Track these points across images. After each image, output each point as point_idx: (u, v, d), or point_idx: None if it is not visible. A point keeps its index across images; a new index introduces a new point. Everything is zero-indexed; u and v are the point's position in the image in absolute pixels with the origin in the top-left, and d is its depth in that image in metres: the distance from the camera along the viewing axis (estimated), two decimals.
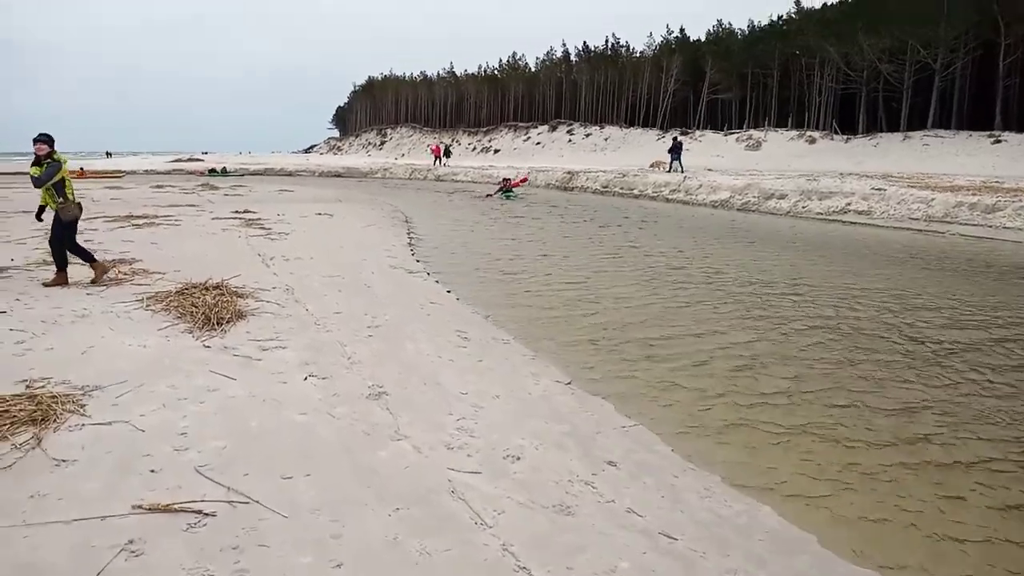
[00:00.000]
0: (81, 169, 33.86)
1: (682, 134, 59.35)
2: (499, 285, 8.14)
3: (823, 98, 55.06)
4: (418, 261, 9.42)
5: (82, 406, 3.62)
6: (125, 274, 7.38)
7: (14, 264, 7.65)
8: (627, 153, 56.45)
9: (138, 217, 13.56)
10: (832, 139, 50.74)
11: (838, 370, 5.25)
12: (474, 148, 79.77)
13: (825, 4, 59.97)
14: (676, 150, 30.49)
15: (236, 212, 15.11)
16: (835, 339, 6.13)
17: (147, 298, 6.11)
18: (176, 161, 45.12)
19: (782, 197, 17.73)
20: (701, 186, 21.08)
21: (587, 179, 27.80)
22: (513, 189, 22.89)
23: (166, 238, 10.55)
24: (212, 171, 37.80)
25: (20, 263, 7.75)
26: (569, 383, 4.59)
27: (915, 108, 47.52)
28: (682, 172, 28.13)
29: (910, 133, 46.14)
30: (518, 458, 3.17)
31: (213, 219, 13.67)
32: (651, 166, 35.53)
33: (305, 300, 6.35)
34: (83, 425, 3.37)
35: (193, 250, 9.39)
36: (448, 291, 7.35)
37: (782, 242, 12.70)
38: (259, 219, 13.66)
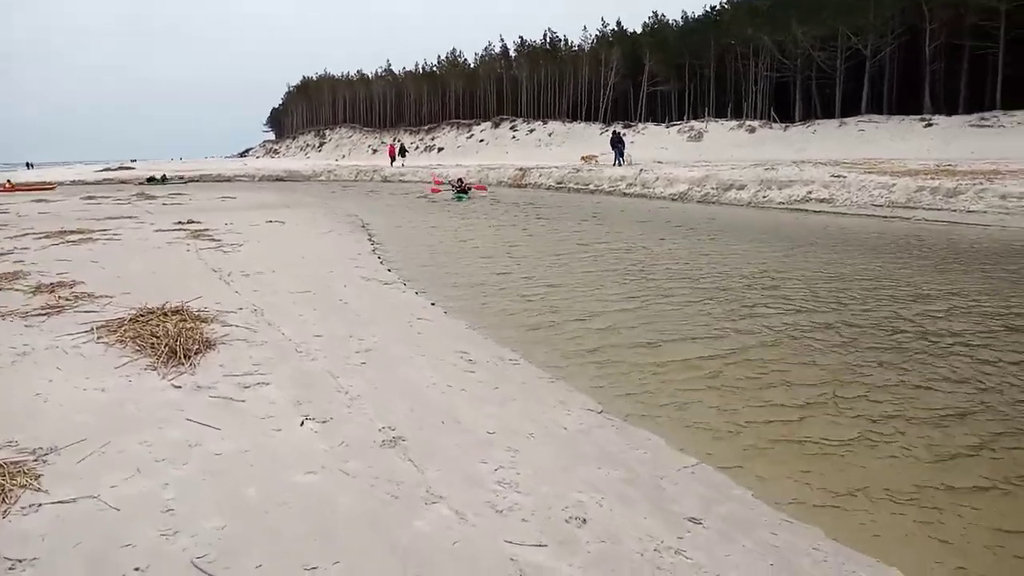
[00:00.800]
0: (8, 182, 31.77)
1: (625, 127, 59.79)
2: (480, 294, 7.62)
3: (759, 87, 56.12)
4: (389, 270, 8.81)
5: (36, 477, 2.96)
6: (67, 299, 6.57)
7: None
8: (572, 147, 56.32)
9: (72, 232, 12.50)
10: (771, 127, 51.75)
11: (870, 372, 4.93)
12: (417, 147, 78.66)
13: None
14: (618, 143, 30.48)
15: (179, 223, 14.13)
16: (848, 336, 5.84)
17: (97, 327, 5.37)
18: (106, 170, 42.85)
19: (741, 188, 17.68)
20: (658, 179, 20.94)
21: (540, 175, 27.43)
22: (467, 191, 22.08)
23: (107, 255, 9.65)
24: (151, 179, 36.01)
25: None
26: (601, 411, 4.12)
27: (848, 94, 48.85)
28: (630, 164, 28.09)
29: (845, 119, 47.41)
30: (583, 520, 2.67)
31: (156, 231, 12.71)
32: (583, 160, 35.30)
33: (278, 322, 5.71)
34: (40, 505, 2.72)
35: (140, 268, 8.55)
36: (432, 303, 6.79)
37: (752, 234, 12.54)
38: (206, 230, 12.76)
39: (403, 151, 45.66)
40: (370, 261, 9.56)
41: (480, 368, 4.70)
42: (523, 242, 11.95)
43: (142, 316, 5.59)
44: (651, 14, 68.55)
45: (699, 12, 65.39)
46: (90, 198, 23.43)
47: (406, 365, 4.64)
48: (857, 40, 46.54)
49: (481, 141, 72.14)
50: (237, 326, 5.54)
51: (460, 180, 22.57)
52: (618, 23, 70.29)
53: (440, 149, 74.57)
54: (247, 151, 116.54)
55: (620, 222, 14.66)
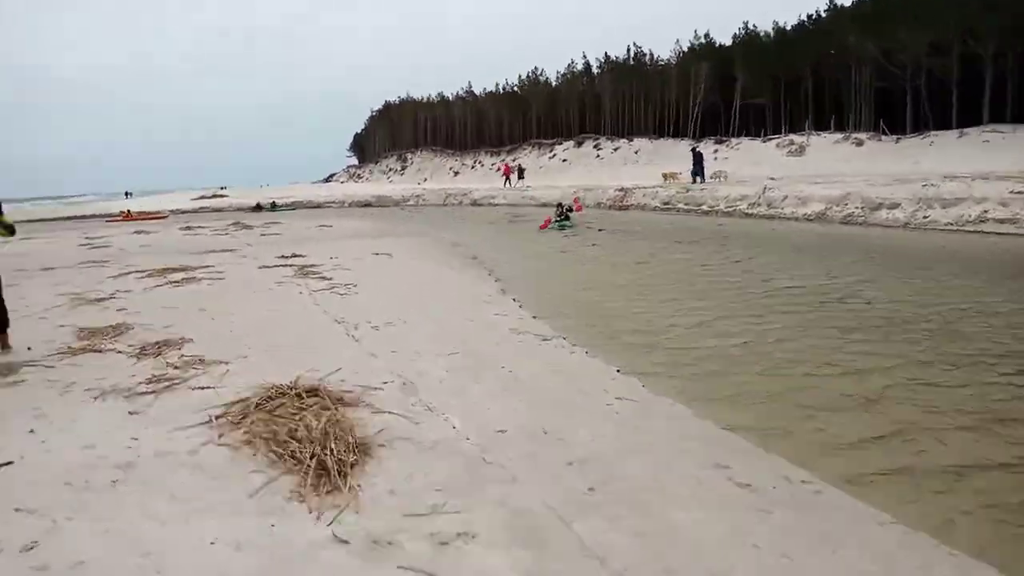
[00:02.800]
0: (128, 211, 32.84)
1: (717, 142, 57.44)
2: (654, 351, 6.09)
3: (863, 97, 52.67)
4: (535, 317, 7.41)
5: None
6: (176, 366, 5.45)
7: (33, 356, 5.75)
8: (660, 165, 54.16)
9: (174, 269, 11.75)
10: (880, 140, 48.27)
11: None
12: (498, 168, 78.21)
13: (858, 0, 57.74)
14: (698, 162, 28.90)
15: (283, 257, 13.26)
16: None
17: (216, 417, 4.16)
18: (201, 198, 43.82)
19: (894, 207, 15.56)
20: (786, 198, 18.95)
21: (644, 196, 25.77)
22: (569, 216, 19.90)
23: (214, 299, 8.67)
24: (258, 206, 36.41)
25: (43, 351, 5.87)
26: None
27: (963, 103, 45.05)
28: (722, 179, 26.53)
29: (965, 130, 43.61)
30: None
31: (260, 268, 11.82)
32: (664, 177, 33.29)
33: (440, 405, 4.37)
34: None
35: (252, 317, 7.48)
36: (617, 370, 5.31)
37: (946, 264, 10.55)
38: (313, 265, 11.78)
39: (521, 172, 43.15)
40: (506, 305, 8.19)
41: (765, 497, 3.16)
42: (677, 275, 10.38)
43: (270, 398, 4.35)
44: (742, 25, 65.84)
45: (793, 21, 62.39)
46: (188, 228, 23.30)
47: (656, 495, 3.16)
48: (976, 44, 42.82)
49: (564, 161, 70.89)
50: (391, 413, 4.22)
51: (560, 205, 20.51)
52: (706, 35, 67.90)
53: (522, 170, 73.74)
54: (331, 176, 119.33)
55: (774, 251, 12.86)
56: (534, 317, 7.42)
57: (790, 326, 6.87)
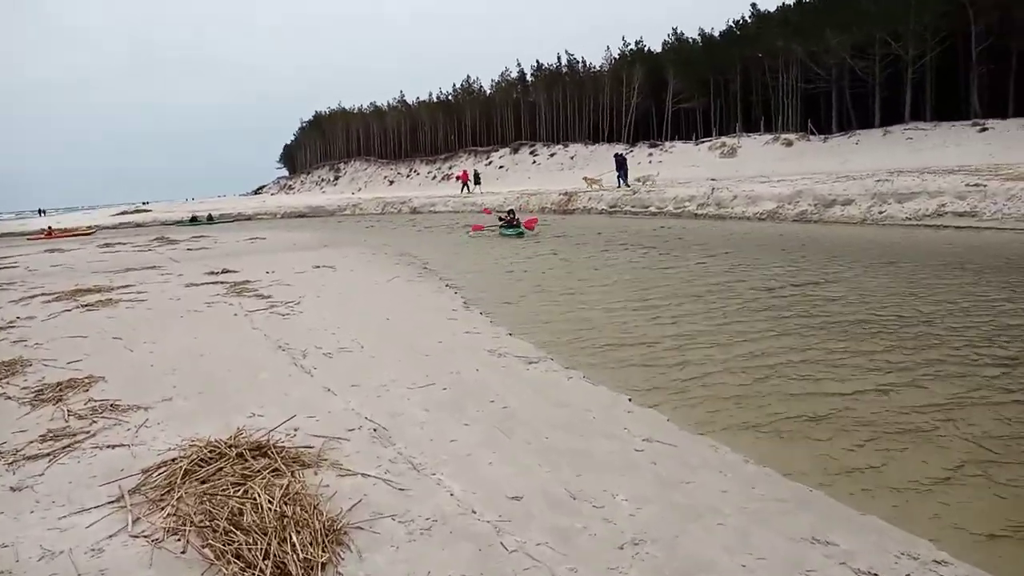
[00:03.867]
0: (49, 228, 30.40)
1: (651, 146, 57.97)
2: (657, 371, 5.28)
3: (790, 99, 54.06)
4: (510, 334, 6.52)
5: None
6: (80, 415, 4.34)
7: None
8: (597, 169, 54.17)
9: (88, 291, 10.38)
10: (809, 140, 49.45)
11: None
12: (434, 176, 77.20)
13: (783, 5, 59.40)
14: (621, 165, 29.49)
15: (212, 272, 11.99)
16: None
17: (130, 492, 3.13)
18: (122, 214, 41.16)
19: (848, 203, 15.35)
20: (736, 197, 18.64)
21: (589, 199, 25.24)
22: (517, 225, 18.00)
23: (133, 325, 7.46)
24: (194, 219, 34.42)
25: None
26: None
27: (885, 103, 46.72)
28: (627, 186, 26.92)
29: (889, 128, 45.06)
30: None
31: (187, 286, 10.55)
32: (585, 181, 32.86)
33: (425, 459, 3.46)
34: None
35: (178, 346, 6.34)
36: (629, 399, 4.46)
37: (918, 259, 10.19)
38: (247, 282, 10.59)
39: (477, 178, 42.03)
40: (474, 320, 7.27)
41: None
42: (648, 281, 9.66)
43: (205, 460, 3.34)
44: (671, 31, 66.85)
45: (721, 27, 63.70)
46: (107, 245, 21.45)
47: None
48: (897, 46, 44.36)
49: (501, 167, 70.28)
50: (366, 475, 3.27)
51: (511, 212, 19.03)
52: (637, 42, 68.71)
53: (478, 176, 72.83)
54: (261, 188, 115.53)
55: (740, 251, 12.34)
56: (509, 334, 6.53)
57: (789, 331, 6.20)
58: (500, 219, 19.08)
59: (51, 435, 3.96)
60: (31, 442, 3.85)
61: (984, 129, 39.61)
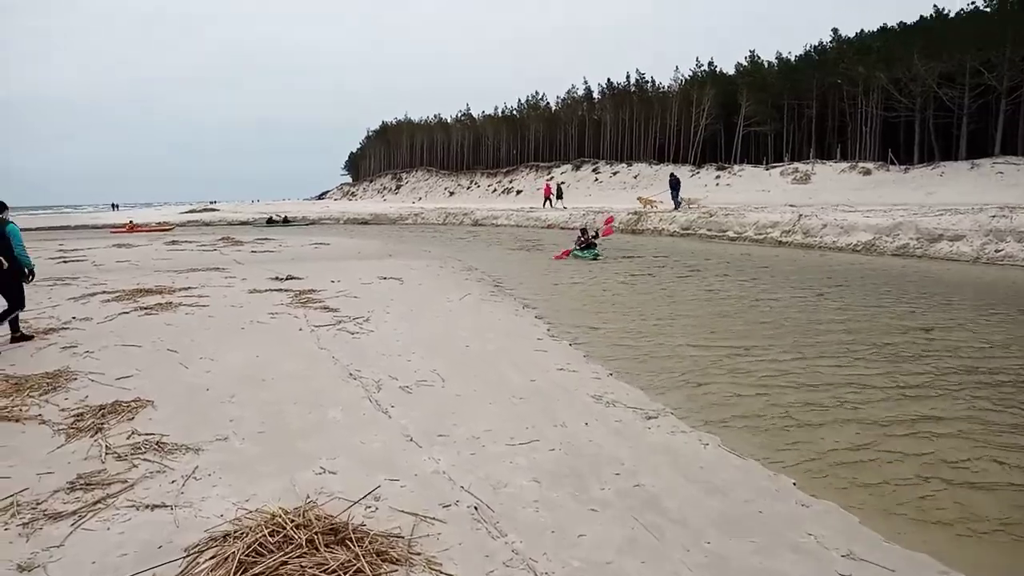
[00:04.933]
0: (130, 222, 31.13)
1: (718, 169, 56.36)
2: (804, 439, 4.29)
3: (869, 127, 51.84)
4: (612, 375, 5.60)
5: None
6: (120, 454, 3.62)
7: None
8: (660, 190, 52.90)
9: (149, 291, 9.92)
10: (888, 170, 47.14)
11: None
12: (494, 190, 77.02)
13: (862, 31, 57.35)
14: (674, 186, 28.63)
15: (277, 279, 11.44)
16: None
17: None
18: (190, 212, 41.87)
19: (957, 239, 13.93)
20: (826, 226, 17.31)
21: (660, 220, 24.12)
22: (595, 244, 16.50)
23: (190, 336, 6.83)
24: (271, 221, 35.11)
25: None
26: None
27: (971, 135, 44.32)
28: (676, 208, 26.74)
29: (977, 160, 42.55)
30: None
31: (250, 292, 9.98)
32: (640, 202, 31.53)
33: (552, 568, 2.57)
34: None
35: (238, 365, 5.65)
36: (794, 483, 3.48)
37: None
38: (312, 291, 9.96)
39: (560, 192, 39.06)
40: (564, 351, 6.39)
41: None
42: (744, 315, 8.61)
43: (264, 546, 2.53)
44: (747, 54, 65.25)
45: (798, 51, 61.82)
46: (173, 243, 21.40)
47: None
48: (990, 76, 41.96)
49: (561, 183, 69.59)
50: None
51: (584, 231, 17.39)
52: (710, 63, 67.30)
53: (519, 192, 72.31)
54: (324, 194, 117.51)
55: (851, 285, 11.13)
56: (611, 375, 5.61)
57: (954, 386, 5.11)
58: (579, 242, 16.71)
59: (82, 482, 3.24)
60: (57, 491, 3.14)
61: None
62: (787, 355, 6.35)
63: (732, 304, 9.39)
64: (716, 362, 6.13)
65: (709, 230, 21.45)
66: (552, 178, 63.01)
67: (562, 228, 28.74)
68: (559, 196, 38.65)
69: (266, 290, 10.19)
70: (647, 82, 73.29)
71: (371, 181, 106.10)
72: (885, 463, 3.85)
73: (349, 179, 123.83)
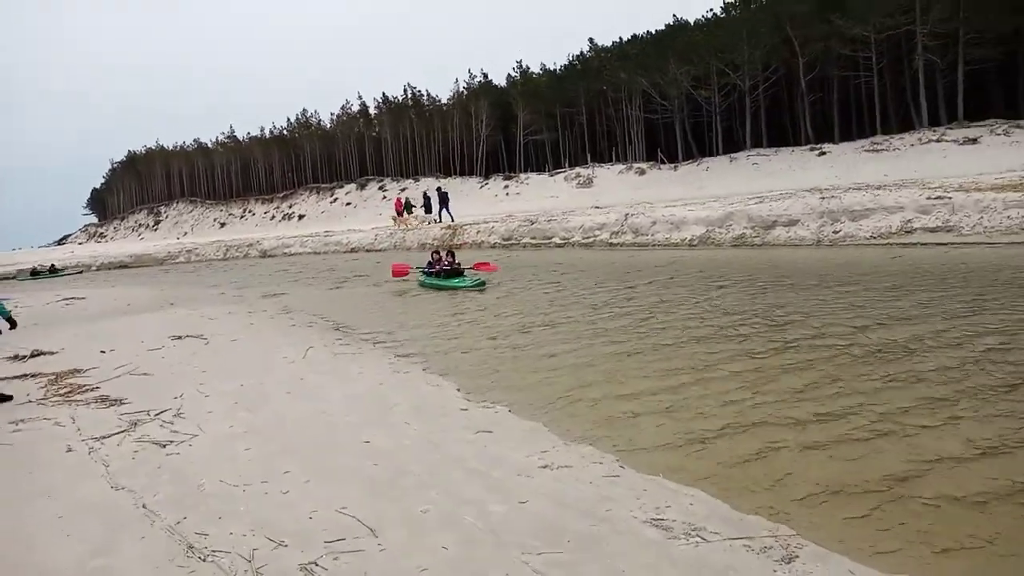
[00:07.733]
0: None
1: (506, 178, 56.91)
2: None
3: (635, 130, 55.51)
4: (622, 466, 3.67)
5: None
6: None
7: None
8: (452, 202, 52.08)
9: None
10: (660, 168, 50.48)
11: None
12: (272, 216, 71.57)
13: (620, 40, 61.38)
14: (444, 200, 29.43)
15: (16, 359, 7.97)
16: None
17: None
18: None
19: (792, 223, 13.94)
20: (655, 223, 16.86)
21: (478, 232, 22.63)
22: (461, 273, 12.67)
23: None
24: (35, 272, 29.07)
25: None
26: None
27: (723, 133, 49.16)
28: (452, 220, 27.43)
29: (734, 155, 46.91)
30: None
31: None
32: (394, 220, 30.44)
33: None
34: None
35: None
36: None
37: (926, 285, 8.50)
38: (75, 372, 6.84)
39: (409, 207, 31.85)
40: (520, 429, 4.34)
41: None
42: (639, 335, 7.14)
43: None
44: (515, 64, 67.04)
45: (562, 62, 64.79)
46: None
47: None
48: (735, 77, 46.59)
49: (348, 204, 66.26)
50: None
51: (450, 252, 13.35)
52: (484, 75, 68.18)
53: (301, 216, 67.70)
54: (65, 238, 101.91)
55: (727, 289, 10.16)
56: (621, 466, 3.67)
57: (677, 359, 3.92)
58: (431, 264, 13.08)
59: None
60: None
61: (823, 153, 42.02)
62: (703, 387, 4.86)
63: (603, 318, 7.89)
64: (659, 405, 4.45)
65: (533, 238, 20.35)
66: (406, 190, 58.95)
67: (367, 251, 26.23)
68: (409, 211, 31.21)
69: (7, 376, 6.85)
70: (423, 95, 72.45)
71: (123, 219, 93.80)
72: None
73: (95, 219, 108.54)
